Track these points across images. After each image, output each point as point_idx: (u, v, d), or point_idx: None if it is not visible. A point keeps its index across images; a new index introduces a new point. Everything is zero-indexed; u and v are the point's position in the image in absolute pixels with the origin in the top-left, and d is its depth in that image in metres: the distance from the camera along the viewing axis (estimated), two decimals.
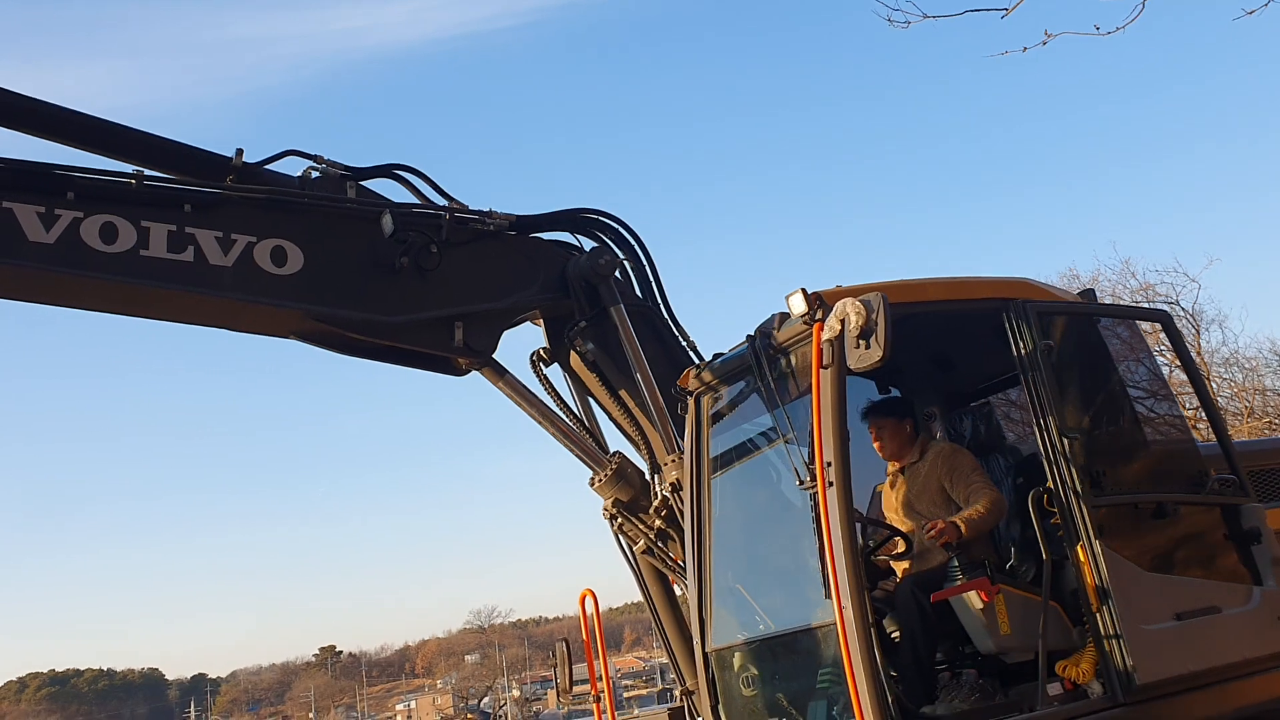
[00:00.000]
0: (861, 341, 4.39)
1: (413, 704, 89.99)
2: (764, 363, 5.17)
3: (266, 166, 5.87)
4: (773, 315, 5.28)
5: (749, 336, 5.31)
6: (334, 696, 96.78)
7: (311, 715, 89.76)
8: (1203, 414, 6.03)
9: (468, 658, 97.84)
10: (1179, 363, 6.12)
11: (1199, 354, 22.25)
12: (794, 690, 5.10)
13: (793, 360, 5.18)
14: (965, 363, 6.35)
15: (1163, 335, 6.30)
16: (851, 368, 4.48)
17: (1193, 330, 22.65)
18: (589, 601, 6.57)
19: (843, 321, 4.47)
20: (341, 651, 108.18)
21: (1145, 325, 6.15)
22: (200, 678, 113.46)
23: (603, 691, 6.71)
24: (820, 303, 4.77)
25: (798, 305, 4.83)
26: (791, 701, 5.09)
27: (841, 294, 4.66)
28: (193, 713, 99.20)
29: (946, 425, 6.45)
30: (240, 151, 5.72)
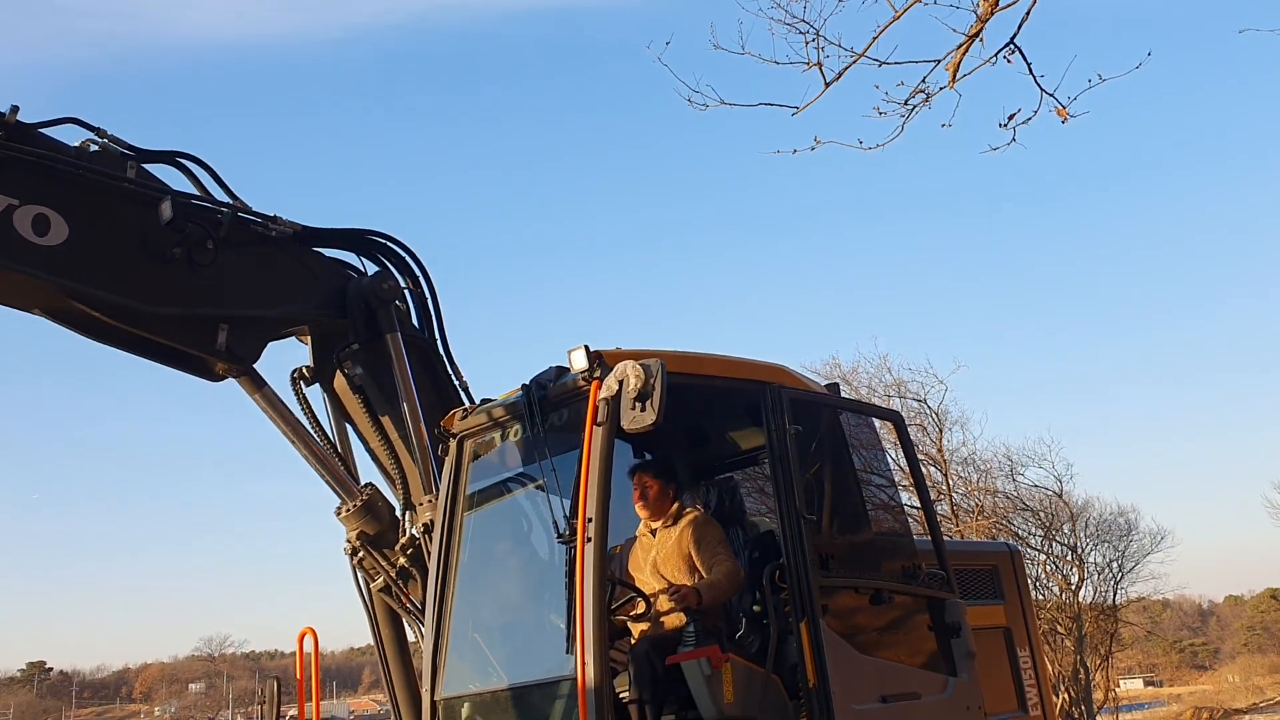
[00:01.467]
0: (637, 404, 4.33)
1: None
2: (536, 413, 4.93)
3: (42, 129, 5.10)
4: (550, 367, 5.06)
5: (525, 385, 5.05)
6: (37, 716, 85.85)
7: None
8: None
9: (192, 686, 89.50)
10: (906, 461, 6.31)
11: (940, 451, 22.46)
12: None
13: (565, 415, 4.96)
14: (716, 436, 6.33)
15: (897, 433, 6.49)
16: (624, 428, 4.40)
17: (936, 428, 22.72)
18: (308, 640, 5.98)
19: (621, 383, 4.44)
20: (51, 668, 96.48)
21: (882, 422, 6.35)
22: None
23: None
24: (600, 362, 4.67)
25: (579, 361, 4.69)
26: None
27: (622, 356, 4.60)
28: None
29: (694, 495, 6.39)
30: (15, 108, 4.93)
